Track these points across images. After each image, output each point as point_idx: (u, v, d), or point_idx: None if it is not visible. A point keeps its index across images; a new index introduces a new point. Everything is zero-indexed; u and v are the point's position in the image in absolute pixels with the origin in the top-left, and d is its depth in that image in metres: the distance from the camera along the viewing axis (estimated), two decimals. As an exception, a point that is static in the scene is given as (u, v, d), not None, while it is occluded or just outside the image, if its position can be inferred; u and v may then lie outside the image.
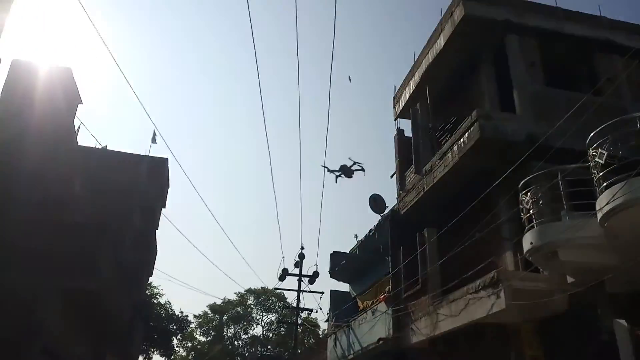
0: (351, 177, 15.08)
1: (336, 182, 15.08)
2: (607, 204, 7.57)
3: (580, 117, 9.43)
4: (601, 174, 8.12)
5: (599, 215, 7.90)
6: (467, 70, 14.20)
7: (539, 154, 9.89)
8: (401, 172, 16.51)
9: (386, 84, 53.79)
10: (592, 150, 8.28)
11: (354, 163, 14.59)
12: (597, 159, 8.19)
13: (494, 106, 12.79)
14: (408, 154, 16.44)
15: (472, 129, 11.79)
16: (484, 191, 12.23)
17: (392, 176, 18.12)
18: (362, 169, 14.65)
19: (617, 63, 12.49)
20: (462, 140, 12.18)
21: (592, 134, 8.31)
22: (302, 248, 24.70)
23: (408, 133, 17.39)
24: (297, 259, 23.80)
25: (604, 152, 8.04)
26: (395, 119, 17.96)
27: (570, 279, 9.12)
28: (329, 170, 14.81)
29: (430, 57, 14.92)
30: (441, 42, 14.19)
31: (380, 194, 18.33)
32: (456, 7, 13.33)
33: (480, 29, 13.16)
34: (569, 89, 12.66)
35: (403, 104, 17.13)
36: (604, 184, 7.99)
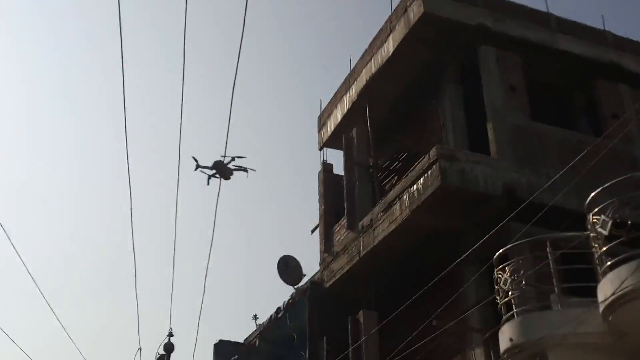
0: (229, 178, 14.96)
1: (208, 184, 14.90)
2: (612, 294, 7.95)
3: (576, 165, 9.89)
4: (604, 248, 8.52)
5: (602, 306, 8.29)
6: (425, 89, 14.66)
7: (520, 213, 10.28)
8: (327, 226, 16.59)
9: (309, 93, 54.36)
10: (593, 216, 8.70)
11: (233, 158, 14.48)
12: (599, 228, 8.59)
13: (461, 142, 13.26)
14: (338, 200, 16.58)
15: (429, 172, 12.13)
16: (445, 260, 12.53)
17: (312, 231, 18.15)
18: (244, 169, 14.59)
19: (624, 93, 13.45)
20: (415, 187, 12.48)
21: (592, 195, 8.74)
22: (171, 334, 23.87)
23: (338, 169, 17.61)
24: (161, 352, 22.93)
25: (607, 219, 8.44)
26: (321, 149, 18.14)
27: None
28: (197, 166, 14.65)
29: (373, 67, 15.32)
30: (389, 47, 14.63)
31: (294, 256, 18.27)
32: (412, 2, 13.83)
33: (445, 34, 13.70)
34: (561, 124, 13.41)
35: (332, 128, 17.38)
36: (608, 263, 8.37)
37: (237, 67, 8.25)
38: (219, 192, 12.03)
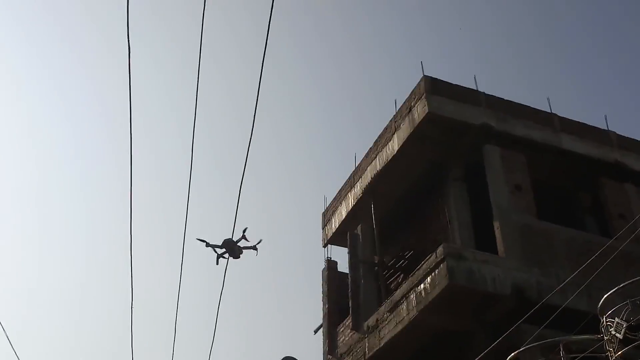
0: (239, 257, 14.72)
1: (217, 263, 14.67)
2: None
3: (585, 265, 9.81)
4: (619, 352, 8.35)
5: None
6: (430, 187, 14.73)
7: (530, 314, 10.13)
8: (331, 326, 16.30)
9: (314, 189, 54.62)
10: (607, 318, 8.56)
11: (243, 235, 14.30)
12: (613, 331, 8.44)
13: (467, 241, 13.20)
14: (342, 299, 16.36)
15: (437, 271, 12.02)
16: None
17: (316, 331, 17.86)
18: (255, 247, 14.42)
19: (630, 193, 13.49)
20: (422, 286, 12.33)
21: (605, 297, 8.63)
22: None
23: (343, 267, 17.46)
24: None
25: (622, 322, 8.33)
26: (325, 246, 18.05)
27: None
28: (207, 244, 14.44)
29: (378, 164, 15.43)
30: (394, 145, 14.78)
31: (296, 358, 17.86)
32: (417, 102, 14.07)
33: (449, 133, 13.88)
34: (567, 223, 13.38)
35: (337, 225, 17.35)
36: (624, 368, 8.21)
37: (244, 169, 8.28)
38: (222, 288, 11.79)
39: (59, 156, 48.99)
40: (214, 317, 13.22)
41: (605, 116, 14.94)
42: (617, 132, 14.83)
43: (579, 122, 14.81)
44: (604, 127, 14.93)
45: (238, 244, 15.09)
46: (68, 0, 45.26)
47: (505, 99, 14.49)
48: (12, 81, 47.44)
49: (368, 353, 13.71)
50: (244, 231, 14.85)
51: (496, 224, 12.59)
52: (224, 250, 15.09)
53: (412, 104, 14.21)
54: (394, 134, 14.86)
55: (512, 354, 9.63)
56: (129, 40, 6.99)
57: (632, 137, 15.08)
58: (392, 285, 15.92)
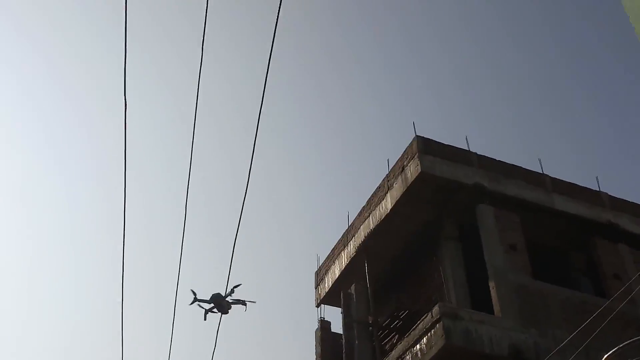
0: (227, 312, 14.61)
1: (205, 319, 14.57)
2: None
3: (583, 326, 9.84)
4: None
5: None
6: (424, 246, 14.77)
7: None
8: (324, 388, 16.13)
9: (307, 248, 54.31)
10: (607, 379, 8.56)
11: (233, 290, 14.19)
12: (614, 393, 8.45)
13: (463, 301, 13.18)
14: (336, 358, 16.21)
15: (433, 331, 11.95)
16: None
17: (309, 392, 17.63)
18: (243, 302, 14.30)
19: (623, 253, 13.57)
20: (418, 347, 12.24)
21: (604, 358, 8.64)
22: None
23: (336, 327, 17.31)
24: None
25: (622, 383, 8.35)
26: (318, 305, 17.94)
27: None
28: (194, 299, 14.35)
29: (371, 223, 15.48)
30: (388, 204, 14.86)
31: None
32: (409, 161, 14.22)
33: (443, 192, 14.00)
34: (562, 283, 13.41)
35: (330, 285, 17.26)
36: None
37: (238, 226, 8.29)
38: (214, 347, 11.68)
39: (51, 211, 48.92)
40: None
41: (597, 177, 15.17)
42: (609, 194, 15.00)
43: (570, 182, 14.99)
44: (596, 188, 15.11)
45: (227, 299, 15.08)
46: (62, 52, 45.65)
47: (497, 159, 14.67)
48: (5, 134, 47.59)
49: (363, 416, 13.51)
50: (235, 287, 14.84)
51: (492, 284, 12.60)
52: (212, 305, 15.06)
53: (405, 163, 14.35)
54: (387, 192, 14.96)
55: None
56: (125, 98, 7.04)
57: (624, 199, 15.25)
58: (387, 345, 15.77)
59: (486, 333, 11.80)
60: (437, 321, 11.84)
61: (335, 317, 17.89)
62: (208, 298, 15.14)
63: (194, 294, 14.50)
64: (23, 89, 46.04)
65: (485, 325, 11.90)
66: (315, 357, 17.06)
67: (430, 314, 12.17)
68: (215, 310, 14.99)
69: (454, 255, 13.91)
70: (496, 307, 12.39)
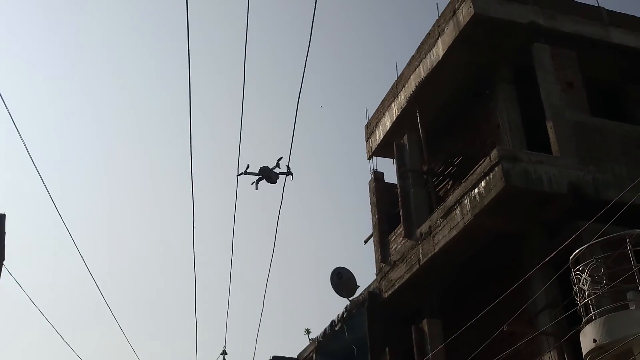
0: (275, 182, 15.66)
1: (256, 188, 15.59)
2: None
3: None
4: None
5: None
6: (477, 91, 14.71)
7: (587, 212, 10.23)
8: (381, 236, 16.60)
9: (355, 102, 54.39)
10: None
11: (277, 164, 15.08)
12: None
13: (519, 143, 13.24)
14: (391, 208, 16.60)
15: (491, 175, 12.10)
16: (510, 263, 12.51)
17: (366, 241, 18.20)
18: (290, 173, 15.18)
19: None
20: (477, 190, 12.46)
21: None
22: (225, 353, 24.07)
23: (389, 178, 17.64)
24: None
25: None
26: (370, 158, 18.19)
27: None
28: (244, 172, 15.29)
29: (422, 72, 15.35)
30: (439, 51, 14.66)
31: (348, 268, 18.30)
32: (461, 4, 13.86)
33: (496, 34, 13.72)
34: (621, 118, 13.33)
35: (381, 137, 17.42)
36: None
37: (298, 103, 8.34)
38: (280, 205, 12.10)
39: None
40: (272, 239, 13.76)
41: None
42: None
43: (628, 14, 14.54)
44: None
45: (274, 171, 15.68)
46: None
47: (551, -5, 14.22)
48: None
49: (422, 259, 13.98)
50: (279, 160, 15.40)
51: (549, 123, 12.56)
52: (260, 176, 15.68)
53: (456, 6, 14.00)
54: (437, 39, 14.71)
55: (575, 253, 9.75)
56: None
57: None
58: (442, 192, 16.10)
59: (545, 172, 11.92)
60: (496, 164, 11.96)
61: (388, 168, 18.13)
62: (257, 171, 15.78)
63: (242, 173, 15.15)
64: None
65: (543, 165, 12.00)
66: (370, 207, 17.49)
67: (488, 157, 12.28)
68: (263, 179, 15.63)
69: (509, 98, 13.82)
70: (554, 147, 12.43)
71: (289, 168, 15.12)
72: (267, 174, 15.70)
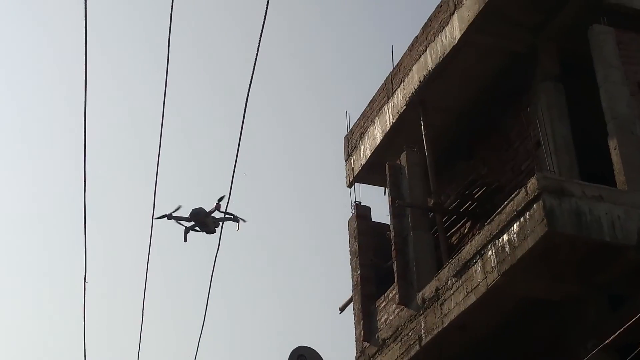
0: (214, 232, 15.60)
1: (185, 239, 15.49)
2: None
3: None
4: None
5: None
6: (509, 92, 14.80)
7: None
8: (365, 302, 16.44)
9: (331, 103, 53.88)
10: None
11: (217, 205, 15.02)
12: None
13: (569, 169, 13.23)
14: (381, 260, 16.50)
15: (527, 215, 12.02)
16: (555, 342, 12.43)
17: (342, 309, 18.05)
18: (235, 219, 15.13)
19: None
20: (506, 237, 12.36)
21: None
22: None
23: (378, 215, 17.53)
24: None
25: None
26: (350, 185, 18.10)
27: None
28: (169, 217, 15.21)
29: (429, 61, 15.34)
30: (454, 32, 14.66)
31: (314, 348, 18.15)
32: (489, -37, 13.93)
33: (538, 10, 13.85)
34: None
35: (368, 155, 17.38)
36: None
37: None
38: (215, 258, 12.01)
39: None
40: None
41: None
42: None
43: None
44: None
45: (211, 213, 15.59)
46: None
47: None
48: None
49: (426, 336, 13.86)
50: (219, 200, 15.30)
51: (613, 142, 12.50)
52: (192, 222, 15.60)
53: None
54: (452, 14, 14.74)
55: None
56: None
57: None
58: (455, 238, 16.03)
59: (606, 213, 11.84)
60: (535, 199, 11.86)
61: (376, 200, 18.04)
62: (188, 215, 15.68)
63: (164, 216, 15.07)
64: None
65: (604, 203, 11.93)
66: (350, 258, 17.32)
67: (523, 189, 12.20)
68: (197, 229, 15.54)
69: (556, 103, 13.81)
70: (619, 176, 12.38)
71: (230, 214, 15.08)
72: (201, 221, 15.68)
